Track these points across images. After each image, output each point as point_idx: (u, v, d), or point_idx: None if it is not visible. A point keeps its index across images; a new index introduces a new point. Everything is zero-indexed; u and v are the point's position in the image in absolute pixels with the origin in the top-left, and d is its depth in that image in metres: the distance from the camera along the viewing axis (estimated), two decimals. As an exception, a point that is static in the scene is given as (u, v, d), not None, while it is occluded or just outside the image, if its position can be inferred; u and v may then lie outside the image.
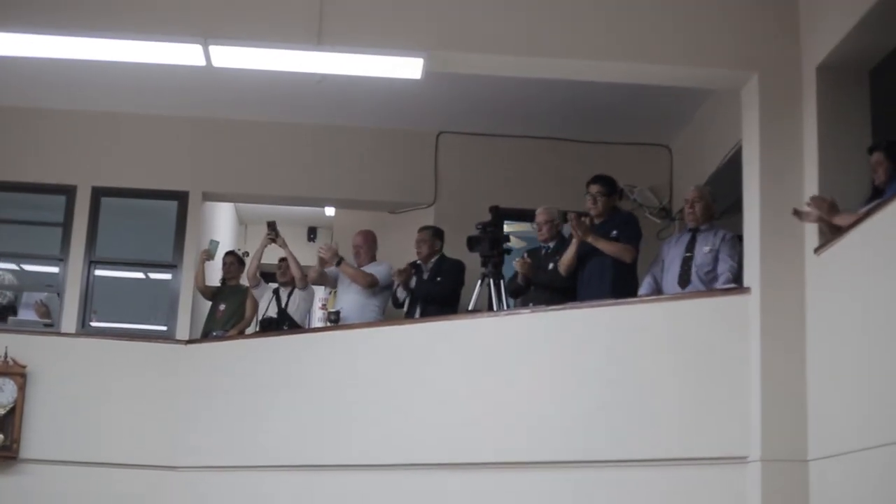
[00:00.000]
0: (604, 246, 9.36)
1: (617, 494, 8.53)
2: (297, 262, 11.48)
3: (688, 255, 9.01)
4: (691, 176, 11.00)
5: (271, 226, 11.42)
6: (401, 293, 10.94)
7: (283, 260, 11.74)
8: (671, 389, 8.42)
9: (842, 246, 7.54)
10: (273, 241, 11.40)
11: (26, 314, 11.92)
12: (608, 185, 9.77)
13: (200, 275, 11.72)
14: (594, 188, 9.72)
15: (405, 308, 10.92)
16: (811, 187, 7.99)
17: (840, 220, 7.55)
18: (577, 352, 8.96)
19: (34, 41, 8.68)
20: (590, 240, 9.34)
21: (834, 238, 7.64)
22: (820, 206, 7.66)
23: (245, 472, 10.58)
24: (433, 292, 10.64)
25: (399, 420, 9.73)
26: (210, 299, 11.91)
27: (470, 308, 10.06)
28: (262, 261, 11.84)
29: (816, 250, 7.87)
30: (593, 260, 9.49)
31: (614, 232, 9.49)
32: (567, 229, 9.81)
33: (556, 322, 9.19)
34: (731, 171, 9.59)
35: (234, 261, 12.19)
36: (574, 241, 9.55)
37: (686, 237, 9.16)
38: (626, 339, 8.75)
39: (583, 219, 9.42)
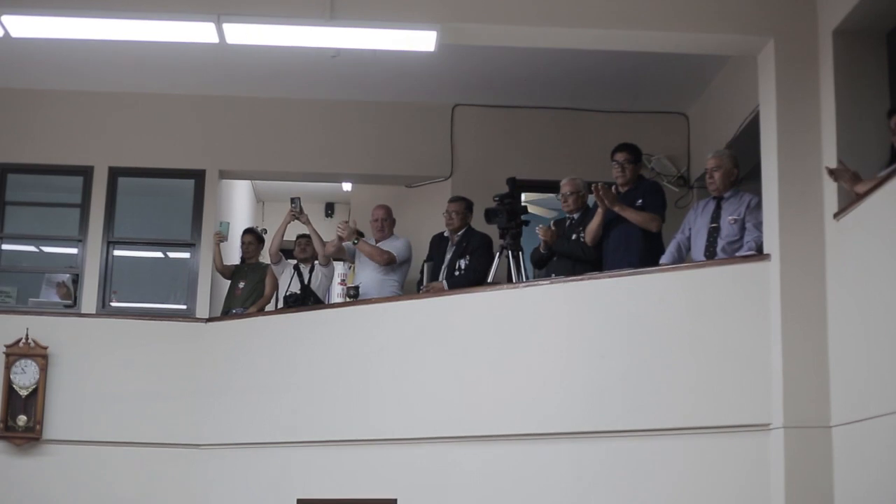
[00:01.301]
0: (630, 215, 9.34)
1: (639, 464, 8.53)
2: (321, 239, 11.47)
3: (713, 225, 8.91)
4: (709, 143, 10.95)
5: (295, 201, 11.39)
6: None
7: (301, 236, 11.73)
8: (692, 358, 8.41)
9: (861, 210, 7.51)
10: (297, 217, 11.38)
11: (48, 294, 11.94)
12: (634, 153, 9.74)
13: (218, 257, 11.73)
14: (621, 156, 9.68)
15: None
16: (829, 152, 7.95)
17: (862, 188, 7.52)
18: (597, 322, 8.95)
19: (48, 23, 8.70)
20: (616, 209, 9.32)
21: (853, 203, 7.61)
22: (841, 176, 7.63)
23: (267, 449, 10.62)
24: (468, 280, 10.52)
25: (420, 394, 9.75)
26: (229, 278, 11.93)
27: (489, 280, 10.05)
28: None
29: (836, 215, 7.84)
30: (619, 229, 9.48)
31: (640, 201, 9.46)
32: (592, 199, 9.76)
33: (575, 292, 9.18)
34: (748, 138, 9.55)
35: (253, 239, 12.20)
36: (599, 211, 9.52)
37: (711, 205, 9.05)
38: (646, 308, 8.73)
39: (610, 188, 9.39)
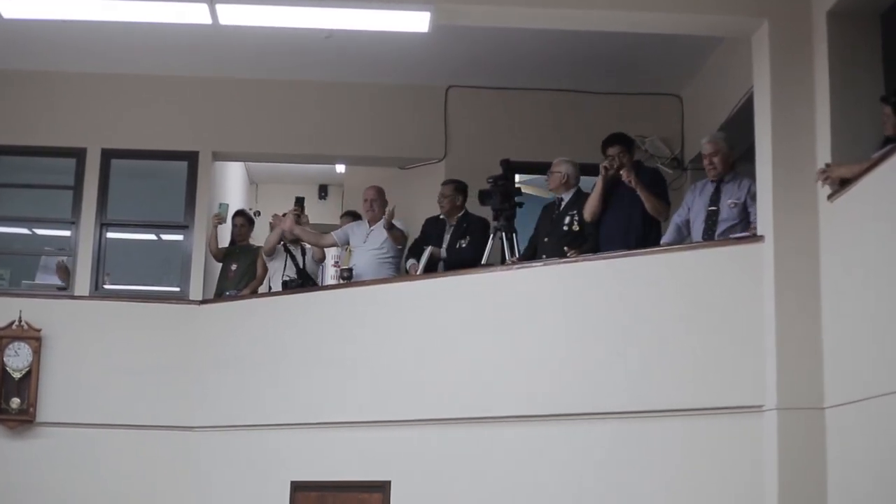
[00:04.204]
0: (645, 195, 9.30)
1: (633, 446, 8.54)
2: (316, 240, 11.42)
3: (712, 208, 8.92)
4: (703, 125, 10.94)
5: (299, 201, 11.34)
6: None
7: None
8: (686, 340, 8.41)
9: (855, 192, 7.51)
10: (297, 217, 11.27)
11: (45, 278, 11.91)
12: (625, 143, 9.69)
13: (214, 240, 11.69)
14: (613, 150, 9.62)
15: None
16: (823, 133, 7.93)
17: (848, 173, 7.57)
18: (591, 304, 8.96)
19: (41, 4, 8.68)
20: (640, 188, 9.28)
21: (847, 185, 7.60)
22: (826, 182, 7.72)
23: (261, 431, 10.63)
24: (465, 258, 10.49)
25: (414, 376, 9.75)
26: (220, 261, 11.89)
27: (483, 262, 10.04)
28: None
29: (830, 197, 7.82)
30: (618, 210, 9.48)
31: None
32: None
33: (569, 274, 9.18)
34: (742, 120, 9.53)
35: (245, 222, 12.17)
36: (599, 184, 9.50)
37: (710, 188, 9.03)
38: (640, 290, 8.73)
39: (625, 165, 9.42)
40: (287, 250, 11.35)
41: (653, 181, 9.56)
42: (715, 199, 8.94)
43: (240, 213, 12.33)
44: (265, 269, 11.69)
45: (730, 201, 8.84)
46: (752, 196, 8.72)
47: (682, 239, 9.08)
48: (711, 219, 8.87)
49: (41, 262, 12.08)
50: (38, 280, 11.89)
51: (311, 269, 11.42)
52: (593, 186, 9.69)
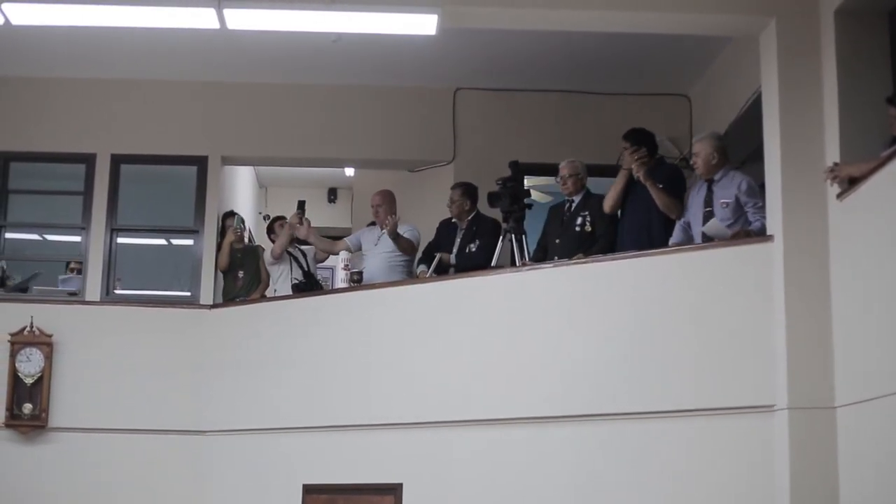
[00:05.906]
0: (656, 193, 9.28)
1: (644, 446, 8.53)
2: (321, 242, 11.43)
3: (707, 209, 8.89)
4: (711, 125, 10.92)
5: (301, 205, 11.35)
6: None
7: (278, 218, 11.74)
8: (696, 340, 8.40)
9: (865, 191, 7.50)
10: (299, 219, 11.27)
11: (67, 284, 11.91)
12: (632, 140, 9.66)
13: (226, 256, 11.67)
14: (623, 144, 9.62)
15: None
16: (832, 133, 7.93)
17: (856, 171, 7.56)
18: (600, 305, 8.95)
19: (49, 10, 8.73)
20: (648, 184, 9.28)
21: (856, 184, 7.60)
22: (835, 180, 7.72)
23: (273, 435, 10.63)
24: (475, 263, 10.47)
25: (424, 378, 9.75)
26: (224, 270, 11.82)
27: (493, 264, 10.04)
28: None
29: (839, 196, 7.82)
30: (637, 208, 9.46)
31: (660, 185, 9.40)
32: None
33: (579, 275, 9.17)
34: (751, 119, 9.53)
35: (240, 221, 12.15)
36: (623, 173, 9.50)
37: (704, 189, 9.02)
38: (649, 290, 8.72)
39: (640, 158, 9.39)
40: (290, 254, 11.37)
41: (669, 178, 9.50)
42: (708, 199, 8.91)
43: (232, 214, 12.19)
44: (267, 273, 11.67)
45: (721, 201, 8.79)
46: (744, 192, 8.70)
47: (690, 239, 9.06)
48: (707, 220, 8.84)
49: (60, 280, 12.09)
50: (60, 287, 11.91)
51: (312, 269, 11.44)
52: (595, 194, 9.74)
